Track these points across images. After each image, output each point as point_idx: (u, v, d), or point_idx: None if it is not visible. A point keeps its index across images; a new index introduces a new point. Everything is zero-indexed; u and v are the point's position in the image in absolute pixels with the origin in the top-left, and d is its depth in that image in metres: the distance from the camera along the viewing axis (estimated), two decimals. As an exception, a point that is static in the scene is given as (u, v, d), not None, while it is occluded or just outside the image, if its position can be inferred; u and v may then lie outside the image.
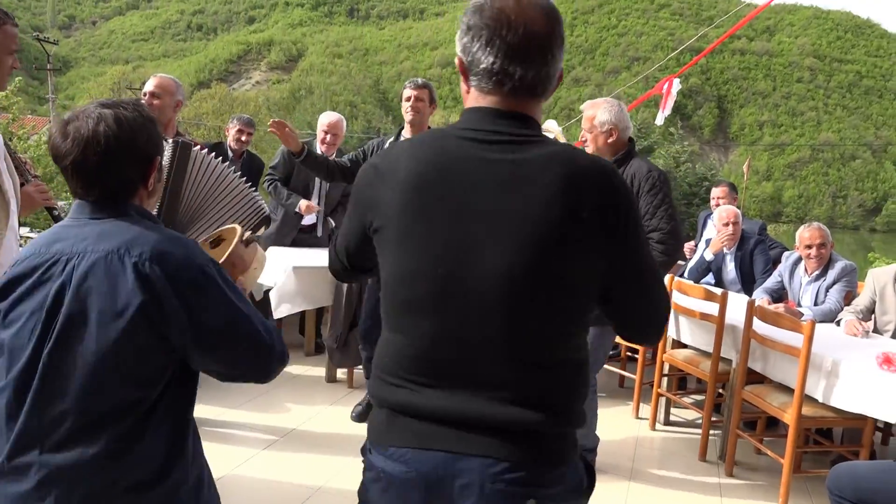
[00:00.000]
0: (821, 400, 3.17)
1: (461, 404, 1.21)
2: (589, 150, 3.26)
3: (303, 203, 4.80)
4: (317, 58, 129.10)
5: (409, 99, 3.78)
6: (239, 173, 3.14)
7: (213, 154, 3.09)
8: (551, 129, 3.88)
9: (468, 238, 1.20)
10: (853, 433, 3.72)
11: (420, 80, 3.85)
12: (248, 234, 1.85)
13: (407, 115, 3.80)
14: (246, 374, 1.50)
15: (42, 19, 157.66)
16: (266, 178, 5.02)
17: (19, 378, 1.36)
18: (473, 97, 1.29)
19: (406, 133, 3.86)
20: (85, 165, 1.40)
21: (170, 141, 3.16)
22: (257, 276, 1.87)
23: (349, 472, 3.30)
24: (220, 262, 1.63)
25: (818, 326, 3.11)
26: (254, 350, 1.45)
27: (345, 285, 4.27)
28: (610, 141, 3.20)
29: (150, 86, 3.52)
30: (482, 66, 1.24)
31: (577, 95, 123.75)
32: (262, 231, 3.37)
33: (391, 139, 3.88)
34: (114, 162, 1.41)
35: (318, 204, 4.97)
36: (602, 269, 1.25)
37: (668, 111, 6.70)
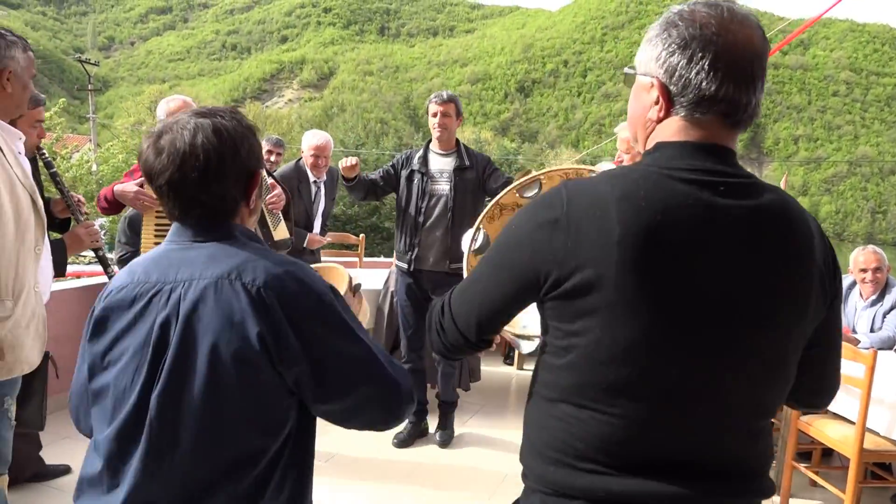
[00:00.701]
0: (883, 434, 3.04)
1: (678, 489, 1.05)
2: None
3: (311, 237, 4.52)
4: (348, 75, 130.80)
5: (435, 115, 3.76)
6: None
7: None
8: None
9: (707, 305, 1.03)
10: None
11: (445, 94, 3.79)
12: (355, 281, 1.70)
13: (435, 132, 3.79)
14: (371, 417, 1.30)
15: (83, 41, 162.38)
16: None
17: (125, 427, 1.19)
18: (676, 127, 1.11)
19: (434, 147, 3.84)
20: (183, 184, 1.22)
21: None
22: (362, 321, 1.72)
23: (394, 502, 3.26)
24: None
25: (878, 355, 3.00)
26: (379, 388, 1.26)
27: (386, 307, 4.25)
28: None
29: (177, 104, 3.23)
30: (701, 91, 1.06)
31: (607, 111, 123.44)
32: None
33: (419, 153, 3.87)
34: (215, 178, 1.23)
35: (320, 231, 4.67)
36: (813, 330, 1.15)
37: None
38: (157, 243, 3.08)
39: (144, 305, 1.22)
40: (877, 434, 3.08)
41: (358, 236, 6.54)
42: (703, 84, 1.06)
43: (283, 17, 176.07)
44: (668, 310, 1.03)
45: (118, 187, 3.18)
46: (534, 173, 1.83)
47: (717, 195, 1.05)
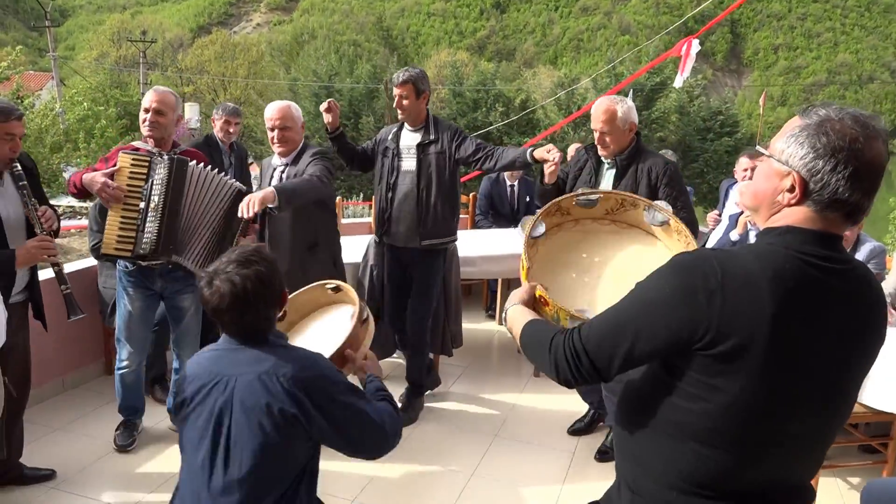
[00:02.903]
0: (851, 399, 3.14)
1: None
2: (611, 149, 3.42)
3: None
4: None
5: (395, 97, 3.79)
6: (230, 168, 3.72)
7: (207, 155, 3.52)
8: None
9: (827, 372, 1.31)
10: (879, 423, 3.71)
11: (402, 76, 3.74)
12: (366, 311, 2.18)
13: (399, 114, 3.84)
14: (366, 454, 1.95)
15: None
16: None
17: (195, 470, 1.82)
18: (804, 216, 1.32)
19: (407, 125, 3.89)
20: (242, 321, 1.81)
21: (165, 157, 3.14)
22: (366, 349, 2.21)
23: (379, 484, 3.34)
24: (340, 345, 2.08)
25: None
26: (373, 438, 1.89)
27: (366, 281, 4.26)
28: (631, 137, 3.42)
29: (151, 101, 3.25)
30: (837, 195, 1.27)
31: (585, 25, 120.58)
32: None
33: (394, 129, 3.93)
34: (263, 311, 1.83)
35: None
36: None
37: (687, 73, 6.53)
38: (121, 236, 3.07)
39: (209, 390, 1.82)
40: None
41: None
42: (840, 189, 1.27)
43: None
44: (799, 377, 1.29)
45: (86, 176, 3.13)
46: (596, 193, 2.13)
47: (835, 279, 1.31)
